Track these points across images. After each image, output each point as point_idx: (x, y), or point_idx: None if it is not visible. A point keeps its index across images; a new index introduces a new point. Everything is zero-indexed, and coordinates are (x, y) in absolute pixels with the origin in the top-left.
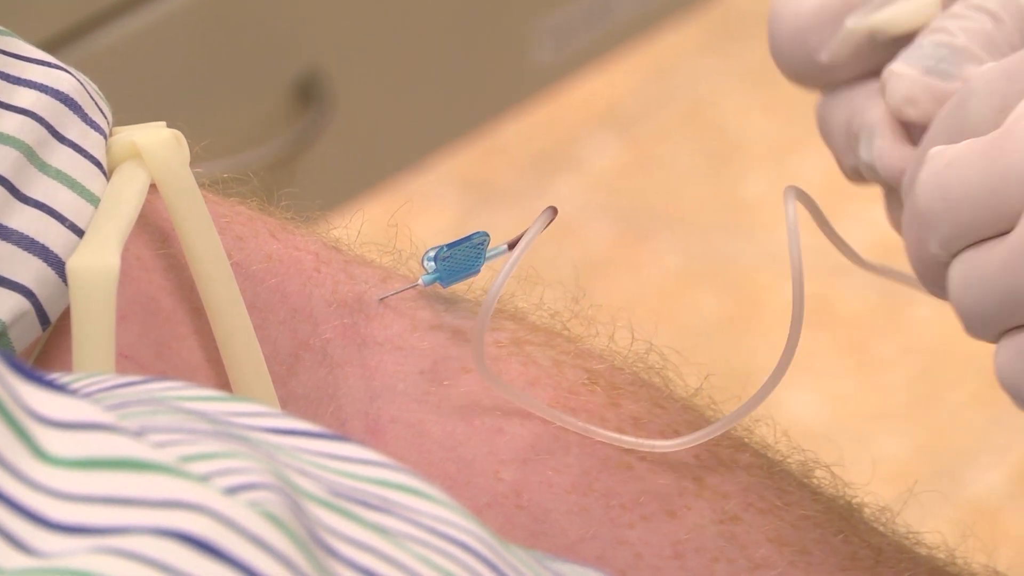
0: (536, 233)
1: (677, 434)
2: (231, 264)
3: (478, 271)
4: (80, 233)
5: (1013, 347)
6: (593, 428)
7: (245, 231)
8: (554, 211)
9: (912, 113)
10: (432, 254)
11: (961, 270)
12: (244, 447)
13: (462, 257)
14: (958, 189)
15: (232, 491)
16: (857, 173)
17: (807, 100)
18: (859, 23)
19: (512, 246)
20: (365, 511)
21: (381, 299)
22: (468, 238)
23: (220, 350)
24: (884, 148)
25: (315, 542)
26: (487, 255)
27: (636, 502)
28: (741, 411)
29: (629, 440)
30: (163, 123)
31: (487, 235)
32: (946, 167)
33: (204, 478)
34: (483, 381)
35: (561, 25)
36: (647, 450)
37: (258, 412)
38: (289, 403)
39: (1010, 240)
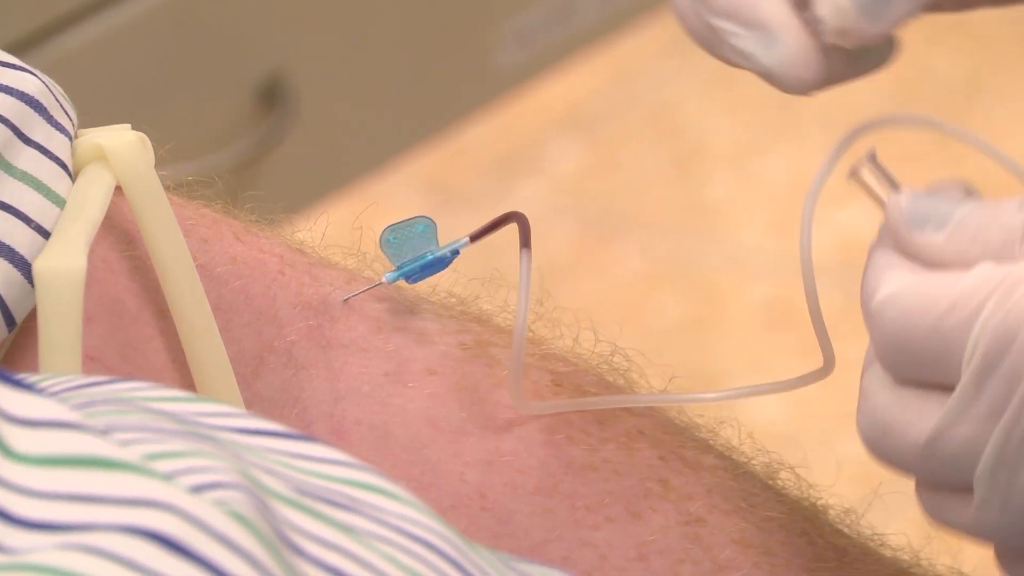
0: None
1: (643, 435)
2: (196, 266)
3: (443, 268)
4: (46, 235)
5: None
6: (640, 396)
7: (210, 233)
8: (524, 218)
9: (843, 43)
10: (390, 237)
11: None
12: (210, 446)
13: (415, 245)
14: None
15: (198, 490)
16: (716, 51)
17: (770, 102)
18: None
19: (474, 238)
20: (332, 510)
21: (345, 300)
22: (412, 222)
23: (185, 352)
24: (791, 56)
25: (282, 541)
26: (451, 248)
27: (601, 504)
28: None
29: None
30: (128, 125)
31: (431, 221)
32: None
33: (169, 476)
34: (519, 410)
35: (525, 28)
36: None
37: (224, 412)
38: (254, 405)
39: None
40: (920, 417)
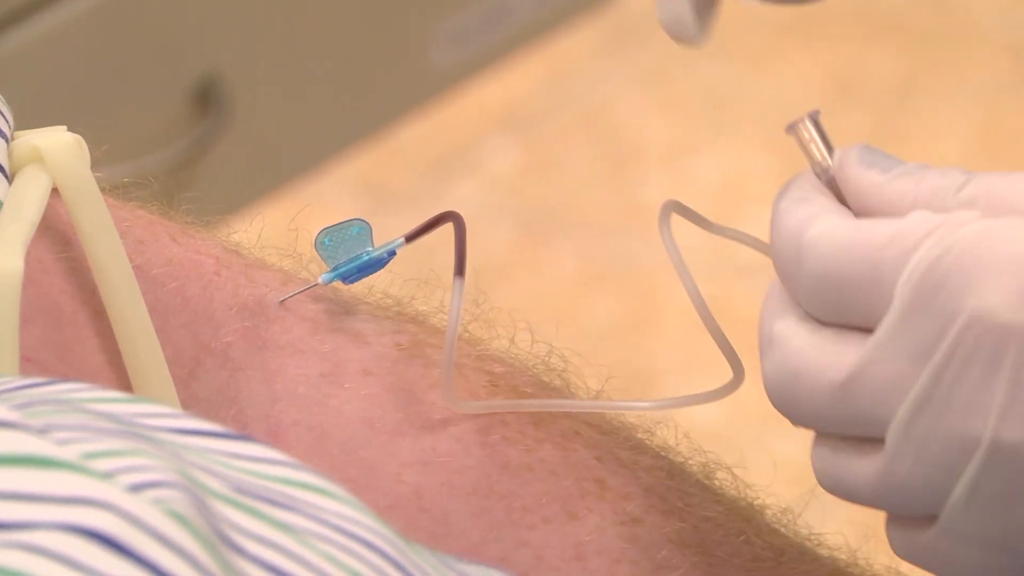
0: (463, 243)
1: (579, 436)
2: (132, 267)
3: (380, 268)
4: None
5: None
6: (588, 402)
7: (146, 235)
8: (459, 218)
9: None
10: (325, 239)
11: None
12: (149, 446)
13: (350, 247)
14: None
15: (136, 488)
16: None
17: (705, 102)
18: None
19: (410, 239)
20: (270, 508)
21: (282, 302)
22: (347, 224)
23: (122, 353)
24: None
25: (220, 539)
26: (386, 248)
27: (538, 504)
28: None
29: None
30: (64, 127)
31: (365, 223)
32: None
33: (107, 475)
34: (451, 407)
35: (459, 29)
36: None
37: (162, 413)
38: (191, 406)
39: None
40: (839, 358)
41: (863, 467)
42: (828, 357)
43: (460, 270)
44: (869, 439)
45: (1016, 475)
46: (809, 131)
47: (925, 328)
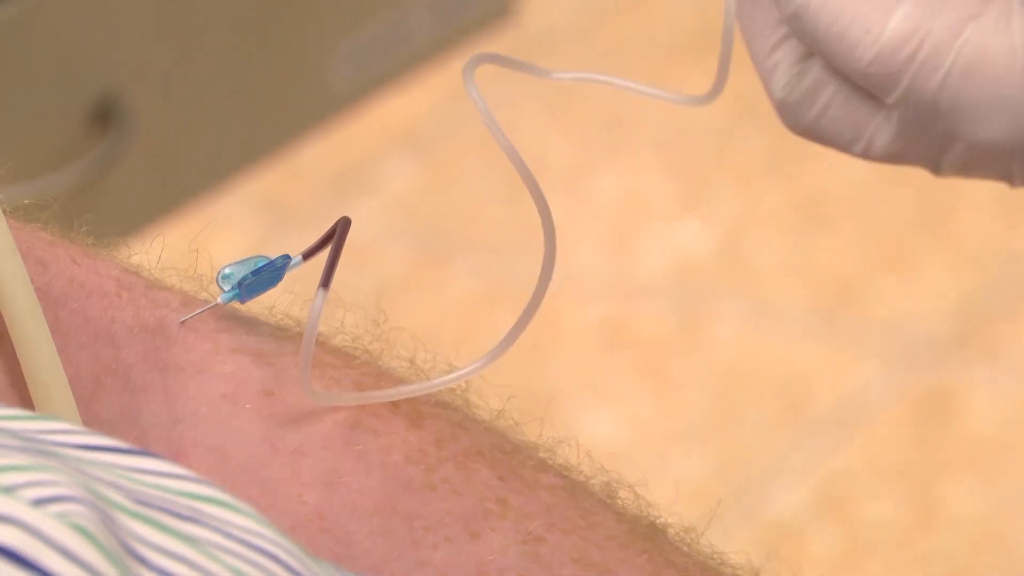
0: (339, 249)
1: (481, 455)
2: (34, 288)
3: (278, 279)
4: None
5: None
6: (436, 380)
7: (47, 256)
8: (347, 221)
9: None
10: (228, 272)
11: None
12: (52, 461)
13: (262, 276)
14: None
15: (40, 503)
16: None
17: (603, 121)
18: None
19: (307, 256)
20: (175, 521)
21: (182, 322)
22: (247, 260)
23: (24, 374)
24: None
25: (126, 552)
26: (283, 260)
27: (440, 523)
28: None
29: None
30: None
31: (267, 257)
32: None
33: (10, 489)
34: (311, 399)
35: (359, 47)
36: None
37: (65, 430)
38: (93, 427)
39: None
40: None
41: None
42: None
43: (326, 280)
44: None
45: None
46: None
47: None
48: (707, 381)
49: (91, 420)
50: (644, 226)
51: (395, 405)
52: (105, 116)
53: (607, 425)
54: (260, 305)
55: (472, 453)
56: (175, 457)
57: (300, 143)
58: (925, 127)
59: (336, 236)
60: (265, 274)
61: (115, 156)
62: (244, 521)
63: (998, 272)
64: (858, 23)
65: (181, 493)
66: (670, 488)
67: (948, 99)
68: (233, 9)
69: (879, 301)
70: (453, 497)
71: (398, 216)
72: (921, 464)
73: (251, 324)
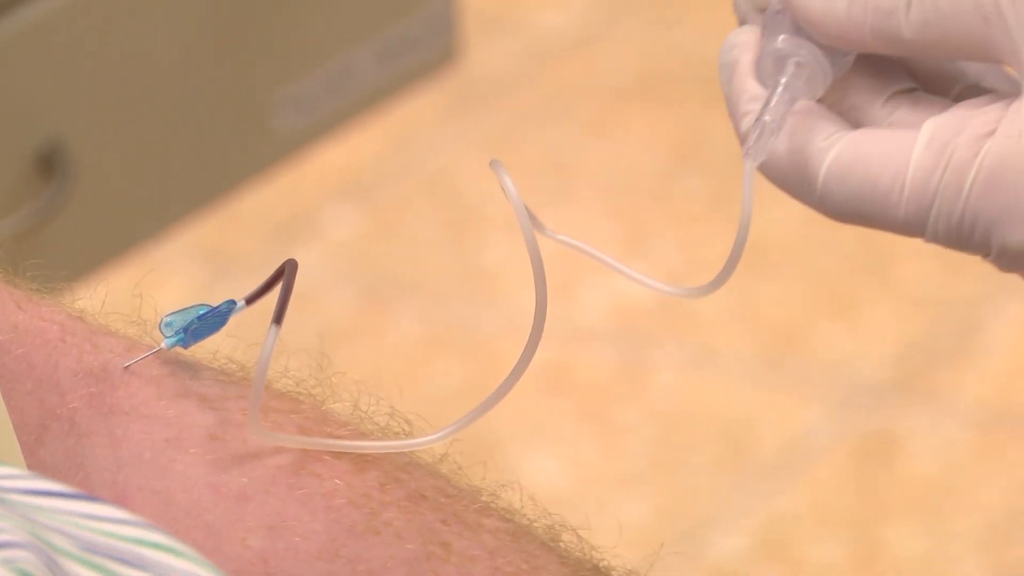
0: (290, 288)
1: (424, 499)
2: None
3: (222, 324)
4: None
5: None
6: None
7: None
8: (295, 263)
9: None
10: (169, 320)
11: None
12: None
13: (207, 321)
14: None
15: None
16: None
17: (545, 167)
18: None
19: (251, 300)
20: (120, 567)
21: (126, 367)
22: (189, 308)
23: None
24: None
25: None
26: (227, 305)
27: (383, 568)
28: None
29: (409, 443)
30: None
31: (208, 305)
32: None
33: None
34: (260, 439)
35: (301, 94)
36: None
37: (11, 475)
38: (38, 472)
39: None
40: None
41: None
42: None
43: (278, 317)
44: None
45: None
46: None
47: None
48: (650, 425)
49: (36, 465)
50: (587, 271)
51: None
52: (49, 163)
53: (550, 469)
54: (203, 350)
55: (415, 497)
56: (120, 501)
57: (243, 189)
58: (959, 242)
59: (286, 276)
60: (209, 319)
61: (59, 202)
62: (188, 566)
63: (940, 317)
64: (881, 190)
65: (126, 539)
66: (613, 531)
67: (971, 215)
68: (176, 55)
69: (822, 346)
70: (397, 541)
71: (341, 262)
72: (864, 507)
73: (195, 369)
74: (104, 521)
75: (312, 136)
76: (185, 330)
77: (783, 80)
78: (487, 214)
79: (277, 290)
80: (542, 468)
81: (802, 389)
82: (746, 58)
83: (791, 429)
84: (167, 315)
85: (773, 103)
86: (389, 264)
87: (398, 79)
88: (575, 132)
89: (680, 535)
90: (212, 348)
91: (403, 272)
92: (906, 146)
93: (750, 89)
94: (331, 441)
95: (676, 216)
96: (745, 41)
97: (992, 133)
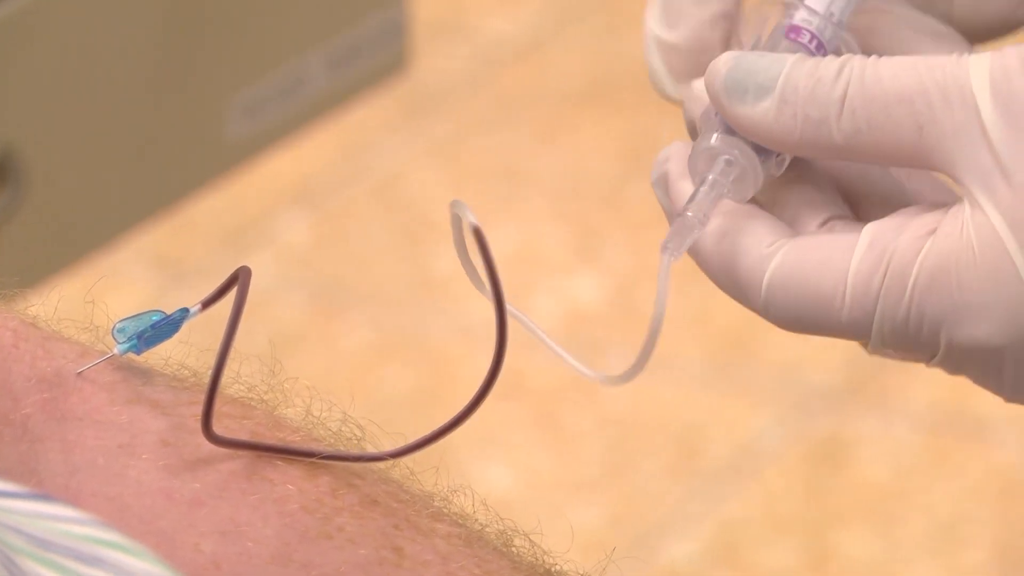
0: (244, 295)
1: (376, 504)
2: None
3: (175, 330)
4: None
5: None
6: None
7: None
8: (248, 270)
9: None
10: (121, 326)
11: None
12: None
13: (160, 328)
14: None
15: None
16: None
17: (496, 173)
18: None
19: (205, 305)
20: (77, 564)
21: (79, 373)
22: (143, 314)
23: None
24: None
25: None
26: (180, 312)
27: (336, 572)
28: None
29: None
30: None
31: (162, 312)
32: None
33: None
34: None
35: (253, 101)
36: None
37: None
38: None
39: None
40: None
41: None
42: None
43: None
44: None
45: None
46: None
47: None
48: (602, 431)
49: None
50: (537, 277)
51: (290, 454)
52: (1, 171)
53: (502, 474)
54: (156, 357)
55: (368, 502)
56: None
57: (195, 196)
58: (907, 343)
59: (240, 283)
60: (162, 326)
61: (11, 209)
62: (143, 564)
63: None
64: (824, 297)
65: (82, 538)
66: (565, 536)
67: (917, 314)
68: (127, 63)
69: (772, 351)
70: (349, 546)
71: (292, 268)
72: (815, 511)
73: (147, 375)
74: (59, 521)
75: (263, 143)
76: (138, 336)
77: (710, 177)
78: (438, 221)
79: (230, 297)
80: (494, 474)
81: (753, 394)
82: (677, 168)
83: (742, 434)
84: (120, 321)
85: (698, 198)
86: (340, 271)
87: (349, 86)
88: (525, 138)
89: (632, 540)
90: (164, 354)
91: (354, 279)
92: (846, 250)
93: (685, 189)
94: (286, 448)
95: (627, 221)
96: (675, 153)
97: (933, 232)
